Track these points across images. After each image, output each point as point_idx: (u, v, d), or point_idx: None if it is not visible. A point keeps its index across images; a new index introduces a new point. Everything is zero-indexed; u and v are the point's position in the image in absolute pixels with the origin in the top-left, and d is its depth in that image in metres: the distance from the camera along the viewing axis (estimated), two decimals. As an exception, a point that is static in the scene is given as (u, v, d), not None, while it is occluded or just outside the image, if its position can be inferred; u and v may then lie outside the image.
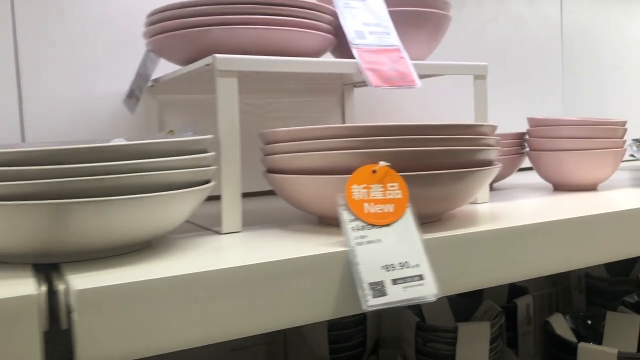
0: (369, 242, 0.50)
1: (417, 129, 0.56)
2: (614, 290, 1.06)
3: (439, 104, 1.14)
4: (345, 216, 0.51)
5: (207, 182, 0.58)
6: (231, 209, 0.59)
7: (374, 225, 0.51)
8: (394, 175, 0.53)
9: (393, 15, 0.73)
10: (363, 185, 0.53)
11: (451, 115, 1.15)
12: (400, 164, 0.54)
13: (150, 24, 0.66)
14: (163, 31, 0.65)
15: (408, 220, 0.52)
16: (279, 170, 0.61)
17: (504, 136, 0.89)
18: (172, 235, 0.60)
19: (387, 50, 0.68)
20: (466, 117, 1.12)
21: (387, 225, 0.52)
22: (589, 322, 0.91)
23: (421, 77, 0.80)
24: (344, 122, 1.02)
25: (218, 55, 0.58)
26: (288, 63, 0.62)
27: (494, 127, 0.63)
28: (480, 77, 0.75)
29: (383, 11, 0.71)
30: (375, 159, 0.54)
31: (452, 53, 1.11)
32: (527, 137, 0.89)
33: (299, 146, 0.58)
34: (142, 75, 0.76)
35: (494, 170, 0.62)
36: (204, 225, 0.65)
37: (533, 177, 1.06)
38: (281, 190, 0.61)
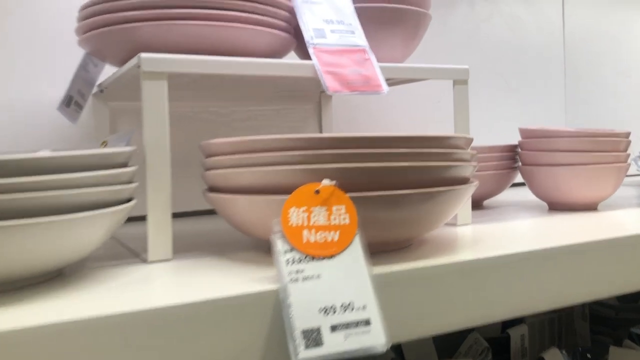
0: (305, 278, 0.41)
1: (372, 142, 0.47)
2: (621, 318, 0.96)
3: (429, 112, 1.05)
4: (280, 246, 0.42)
5: (129, 200, 0.49)
6: (159, 233, 0.51)
7: (313, 258, 0.42)
8: (341, 196, 0.45)
9: (363, 12, 0.65)
10: (303, 208, 0.44)
11: (441, 125, 1.06)
12: (351, 183, 0.45)
13: (79, 20, 0.58)
14: (90, 28, 0.57)
15: (356, 251, 0.43)
16: (219, 189, 0.52)
17: (493, 149, 0.80)
18: (90, 263, 0.52)
19: (350, 51, 0.60)
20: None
21: (330, 257, 0.43)
22: (589, 356, 0.82)
23: (399, 82, 0.71)
24: (321, 130, 0.93)
25: (144, 55, 0.50)
26: (228, 64, 0.54)
27: (469, 140, 0.55)
28: (460, 82, 0.66)
29: (348, 7, 0.63)
30: (321, 176, 0.45)
31: (443, 57, 1.03)
32: (519, 149, 0.80)
33: (239, 160, 0.49)
34: (83, 80, 0.68)
35: (468, 190, 0.53)
36: (133, 248, 0.57)
37: (527, 194, 0.97)
38: (222, 212, 0.53)
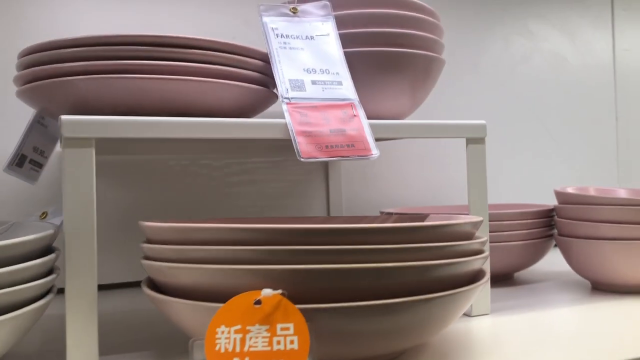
0: None
1: (337, 233, 0.36)
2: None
3: (457, 163, 0.93)
4: (200, 382, 0.32)
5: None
6: (80, 343, 0.41)
7: (242, 402, 0.31)
8: (289, 311, 0.34)
9: (359, 58, 0.54)
10: (236, 327, 0.33)
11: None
12: (306, 290, 0.34)
13: (17, 68, 0.50)
14: (27, 81, 0.48)
15: (302, 392, 0.32)
16: (157, 283, 0.42)
17: (526, 214, 0.67)
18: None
19: (334, 106, 0.49)
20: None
21: (265, 401, 0.32)
22: None
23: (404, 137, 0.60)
24: (327, 187, 0.82)
25: (64, 117, 0.41)
26: (174, 126, 0.44)
27: (477, 223, 0.43)
28: (475, 140, 0.54)
29: (336, 51, 0.53)
30: (273, 280, 0.35)
31: (471, 103, 0.90)
32: (554, 216, 0.66)
33: (177, 252, 0.39)
34: (41, 134, 0.60)
35: (476, 291, 0.41)
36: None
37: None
38: (160, 309, 0.42)
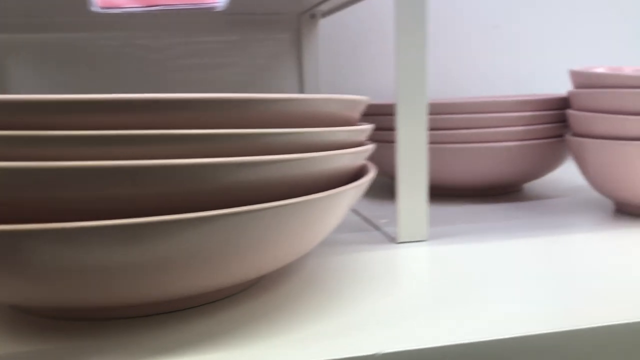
0: None
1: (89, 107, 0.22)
2: None
3: (481, 44, 0.72)
4: None
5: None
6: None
7: None
8: None
9: None
10: None
11: (490, 66, 0.73)
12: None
13: None
14: None
15: None
16: None
17: (527, 103, 0.48)
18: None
19: None
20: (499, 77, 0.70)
21: None
22: None
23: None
24: (301, 72, 0.66)
25: None
26: None
27: (350, 104, 0.26)
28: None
29: None
30: None
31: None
32: (568, 110, 0.47)
33: None
34: None
35: (320, 203, 0.25)
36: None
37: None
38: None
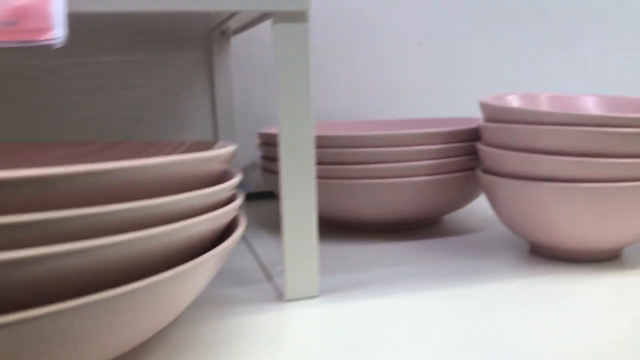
0: None
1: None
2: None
3: (408, 62, 0.69)
4: None
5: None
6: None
7: None
8: None
9: None
10: None
11: (419, 91, 0.70)
12: None
13: None
14: None
15: None
16: None
17: (435, 135, 0.45)
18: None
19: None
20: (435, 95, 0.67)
21: None
22: None
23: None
24: (213, 93, 0.62)
25: None
26: None
27: (211, 159, 0.23)
28: (288, 15, 0.32)
29: None
30: None
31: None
32: (479, 144, 0.44)
33: None
34: None
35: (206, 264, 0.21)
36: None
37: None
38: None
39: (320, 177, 0.45)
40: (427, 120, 0.60)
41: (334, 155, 0.44)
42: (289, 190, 0.33)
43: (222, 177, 0.30)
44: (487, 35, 0.71)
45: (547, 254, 0.41)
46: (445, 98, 0.70)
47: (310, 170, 0.33)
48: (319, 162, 0.44)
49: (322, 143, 0.44)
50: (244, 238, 0.49)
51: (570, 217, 0.37)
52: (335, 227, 0.51)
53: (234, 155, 0.29)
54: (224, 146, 0.31)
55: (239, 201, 0.29)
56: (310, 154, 0.33)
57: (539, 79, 0.74)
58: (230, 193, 0.28)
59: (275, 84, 0.64)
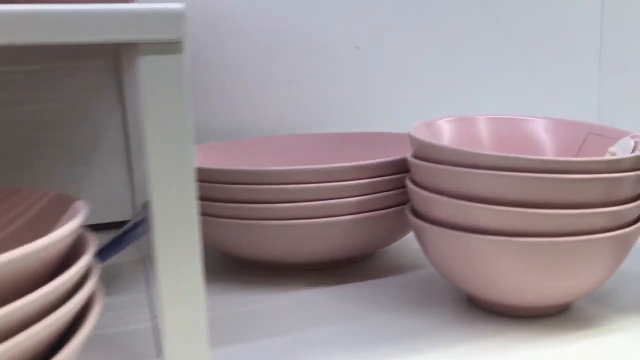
0: None
1: None
2: None
3: (343, 73, 0.63)
4: None
5: None
6: None
7: None
8: None
9: None
10: None
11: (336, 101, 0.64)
12: None
13: None
14: None
15: None
16: None
17: (363, 168, 0.39)
18: None
19: None
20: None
21: None
22: None
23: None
24: (123, 106, 0.55)
25: None
26: None
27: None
28: (160, 47, 0.26)
29: None
30: None
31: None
32: (408, 179, 0.38)
33: None
34: None
35: None
36: None
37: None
38: None
39: (229, 217, 0.39)
40: (353, 135, 0.55)
41: (247, 193, 0.38)
42: (166, 263, 0.27)
43: (71, 253, 0.24)
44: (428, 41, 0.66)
45: (484, 307, 0.36)
46: (385, 107, 0.65)
47: (194, 236, 0.27)
48: (227, 200, 0.39)
49: (234, 178, 0.38)
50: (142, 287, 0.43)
51: (509, 273, 0.32)
52: (247, 267, 0.45)
53: (81, 232, 0.23)
54: (78, 211, 0.25)
55: (89, 286, 0.23)
56: (191, 193, 0.27)
57: (486, 86, 0.69)
58: (78, 277, 0.22)
59: (196, 93, 0.57)
